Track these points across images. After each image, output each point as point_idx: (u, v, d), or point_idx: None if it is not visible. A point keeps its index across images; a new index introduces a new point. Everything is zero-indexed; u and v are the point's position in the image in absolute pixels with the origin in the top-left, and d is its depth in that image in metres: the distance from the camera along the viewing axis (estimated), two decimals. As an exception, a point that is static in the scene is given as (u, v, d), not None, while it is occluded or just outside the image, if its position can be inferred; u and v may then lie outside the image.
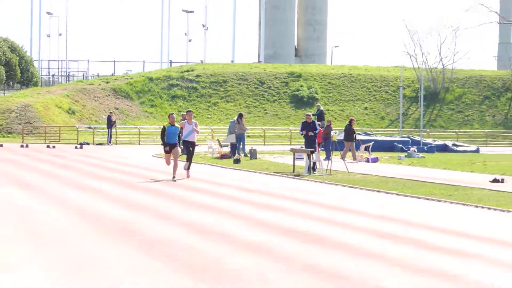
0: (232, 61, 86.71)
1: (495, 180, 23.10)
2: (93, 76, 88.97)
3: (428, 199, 18.36)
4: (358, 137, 38.90)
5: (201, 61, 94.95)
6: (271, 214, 15.09)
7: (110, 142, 52.57)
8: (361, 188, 21.27)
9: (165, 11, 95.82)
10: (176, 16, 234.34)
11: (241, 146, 36.58)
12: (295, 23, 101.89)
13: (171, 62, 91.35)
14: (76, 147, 46.39)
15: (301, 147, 28.50)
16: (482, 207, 16.78)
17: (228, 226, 13.40)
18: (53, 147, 46.09)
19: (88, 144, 51.00)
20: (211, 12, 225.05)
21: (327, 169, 27.25)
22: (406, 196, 19.18)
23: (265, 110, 68.78)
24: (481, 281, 9.17)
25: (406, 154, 38.77)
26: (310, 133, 28.17)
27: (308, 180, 24.24)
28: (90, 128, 58.20)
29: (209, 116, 66.37)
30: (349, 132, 35.38)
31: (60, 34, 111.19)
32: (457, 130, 65.38)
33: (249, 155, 35.28)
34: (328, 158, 30.45)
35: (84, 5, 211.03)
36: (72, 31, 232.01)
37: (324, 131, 33.12)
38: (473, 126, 69.24)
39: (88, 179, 23.13)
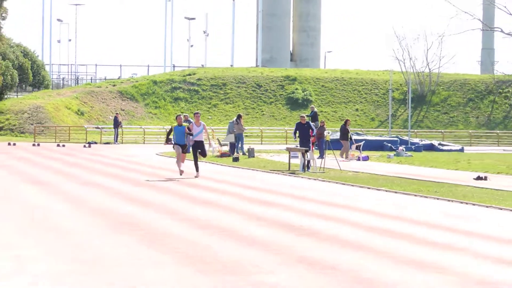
0: (231, 66, 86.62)
1: (478, 178, 23.06)
2: (100, 79, 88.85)
3: (415, 195, 18.32)
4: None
5: (202, 65, 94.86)
6: (268, 209, 15.05)
7: (116, 141, 52.53)
8: (352, 185, 21.23)
9: (168, 19, 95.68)
10: (179, 23, 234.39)
11: (239, 145, 36.53)
12: (291, 29, 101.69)
13: (174, 66, 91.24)
14: (84, 146, 46.31)
15: (296, 146, 28.44)
16: (467, 203, 16.74)
17: (227, 220, 13.36)
18: (63, 146, 46.00)
19: (96, 143, 50.94)
20: (211, 19, 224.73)
21: (320, 167, 27.20)
22: (395, 192, 19.14)
23: (262, 111, 68.71)
24: (467, 272, 9.14)
25: (395, 153, 38.72)
26: (313, 139, 28.00)
27: (302, 177, 24.19)
28: (97, 128, 58.11)
29: (210, 117, 66.28)
30: (345, 132, 35.93)
31: (70, 40, 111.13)
32: (442, 131, 65.34)
33: (247, 153, 35.24)
34: (321, 156, 30.41)
35: (92, 13, 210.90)
36: (81, 37, 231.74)
37: (318, 131, 33.09)
38: (458, 127, 69.20)
39: (96, 175, 23.07)
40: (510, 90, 74.85)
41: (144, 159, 33.12)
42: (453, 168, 28.32)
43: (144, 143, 54.43)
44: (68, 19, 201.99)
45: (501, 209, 15.80)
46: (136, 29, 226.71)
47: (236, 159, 31.83)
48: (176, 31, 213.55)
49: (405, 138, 48.69)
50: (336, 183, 22.04)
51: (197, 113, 24.74)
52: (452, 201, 17.12)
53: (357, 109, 70.44)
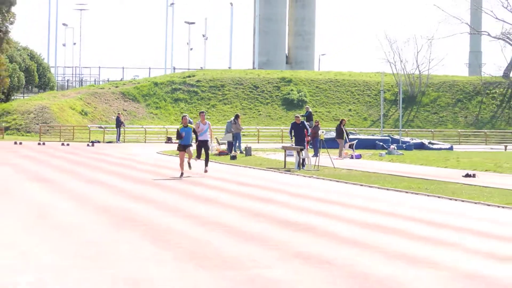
0: (229, 68, 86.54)
1: (467, 175, 23.05)
2: (103, 81, 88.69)
3: (407, 192, 18.29)
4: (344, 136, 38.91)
5: (201, 67, 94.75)
6: (265, 206, 15.00)
7: (118, 140, 52.47)
8: (346, 182, 21.19)
9: (169, 23, 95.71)
10: (179, 27, 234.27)
11: (237, 144, 36.51)
12: (286, 33, 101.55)
13: (174, 68, 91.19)
14: (88, 145, 46.22)
15: (292, 145, 28.40)
16: (456, 200, 16.72)
17: (226, 217, 13.31)
18: (67, 144, 45.92)
19: (99, 142, 50.86)
20: (210, 23, 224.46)
21: (315, 165, 27.17)
22: (387, 189, 19.10)
23: (259, 111, 68.66)
24: (458, 266, 9.10)
25: (386, 151, 38.71)
26: (308, 138, 27.88)
27: (298, 174, 24.16)
28: (100, 127, 58.04)
29: (208, 117, 66.21)
30: (340, 131, 36.15)
31: (74, 44, 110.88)
32: (432, 130, 65.33)
33: (244, 152, 35.20)
34: (316, 155, 30.38)
35: (96, 17, 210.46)
36: (85, 40, 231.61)
37: (313, 130, 33.09)
38: (447, 126, 69.21)
39: (100, 173, 23.01)
40: (497, 91, 74.92)
41: (145, 158, 33.06)
42: (443, 166, 28.30)
43: (145, 142, 54.41)
44: (73, 23, 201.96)
45: (489, 205, 15.78)
46: (138, 33, 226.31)
47: (233, 158, 31.79)
48: (176, 35, 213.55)
49: (396, 137, 48.63)
50: (330, 180, 22.00)
51: (203, 112, 24.38)
52: (441, 197, 17.09)
53: (350, 110, 70.41)
